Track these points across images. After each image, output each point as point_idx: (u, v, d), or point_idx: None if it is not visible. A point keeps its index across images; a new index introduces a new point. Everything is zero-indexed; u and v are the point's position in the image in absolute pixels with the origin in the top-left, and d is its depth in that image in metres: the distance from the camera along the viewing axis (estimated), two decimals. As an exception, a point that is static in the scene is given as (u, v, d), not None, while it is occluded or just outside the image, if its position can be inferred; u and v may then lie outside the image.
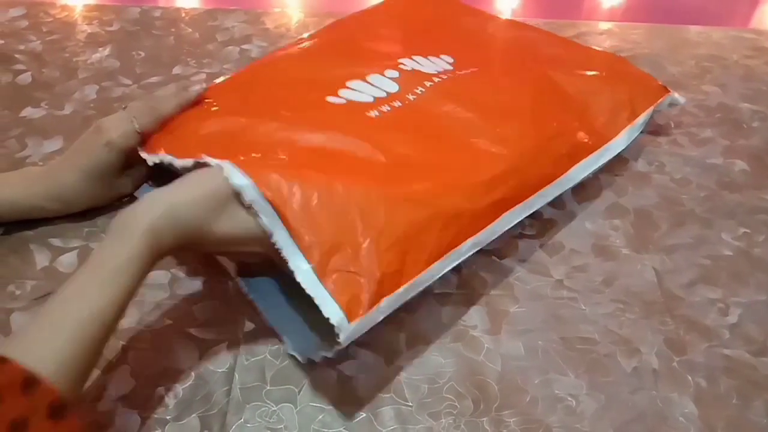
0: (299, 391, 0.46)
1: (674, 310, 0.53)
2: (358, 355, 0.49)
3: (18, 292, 0.52)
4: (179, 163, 0.50)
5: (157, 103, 0.58)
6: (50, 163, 0.58)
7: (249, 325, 0.50)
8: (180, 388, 0.46)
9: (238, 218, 0.44)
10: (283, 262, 0.44)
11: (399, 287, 0.45)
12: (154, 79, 0.76)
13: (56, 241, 0.56)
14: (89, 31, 0.85)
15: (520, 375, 0.48)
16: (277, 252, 0.43)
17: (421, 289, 0.46)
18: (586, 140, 0.60)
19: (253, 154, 0.50)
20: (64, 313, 0.38)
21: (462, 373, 0.48)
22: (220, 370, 0.47)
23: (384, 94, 0.59)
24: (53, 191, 0.55)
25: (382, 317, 0.44)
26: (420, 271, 0.46)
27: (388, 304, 0.44)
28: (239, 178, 0.44)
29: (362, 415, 0.45)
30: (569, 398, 0.47)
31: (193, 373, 0.47)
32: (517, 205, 0.53)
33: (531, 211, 0.55)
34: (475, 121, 0.57)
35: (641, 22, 0.89)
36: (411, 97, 0.59)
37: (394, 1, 0.79)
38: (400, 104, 0.59)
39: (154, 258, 0.42)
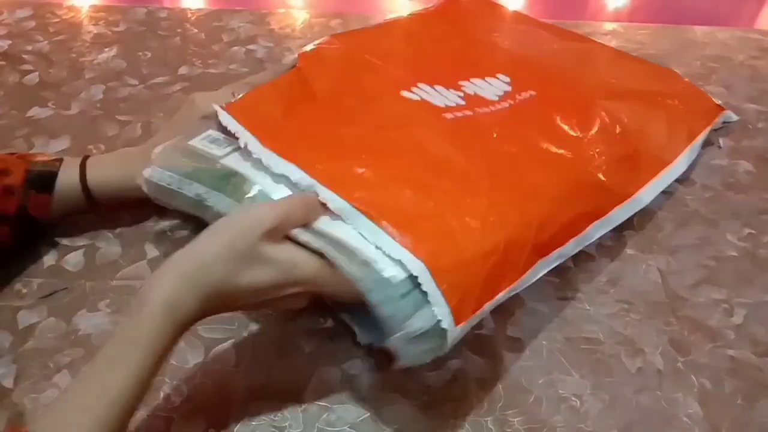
0: (304, 390, 0.47)
1: (679, 310, 0.53)
2: (363, 355, 0.49)
3: (25, 290, 0.53)
4: (264, 154, 0.49)
5: (254, 80, 0.60)
6: (148, 143, 0.57)
7: (253, 325, 0.51)
8: (185, 386, 0.47)
9: (281, 256, 0.40)
10: (345, 288, 0.41)
11: (499, 293, 0.44)
12: (160, 80, 0.76)
13: (63, 240, 0.57)
14: (96, 31, 0.85)
15: (524, 375, 0.48)
16: (339, 282, 0.41)
17: (514, 293, 0.47)
18: (644, 168, 0.59)
19: (335, 162, 0.49)
20: (86, 394, 0.36)
21: (466, 373, 0.48)
22: (225, 369, 0.48)
23: (452, 104, 0.58)
24: None
25: (479, 320, 0.44)
26: (517, 277, 0.46)
27: (487, 309, 0.44)
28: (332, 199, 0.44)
29: (366, 414, 0.45)
30: (573, 398, 0.47)
31: (198, 372, 0.47)
32: (597, 220, 0.53)
33: (603, 232, 0.55)
34: (542, 145, 0.56)
35: (647, 23, 0.89)
36: (480, 110, 0.58)
37: (446, 6, 0.78)
38: (470, 113, 0.58)
39: (177, 330, 0.38)
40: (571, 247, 0.51)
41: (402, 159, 0.50)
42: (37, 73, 0.77)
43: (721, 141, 0.69)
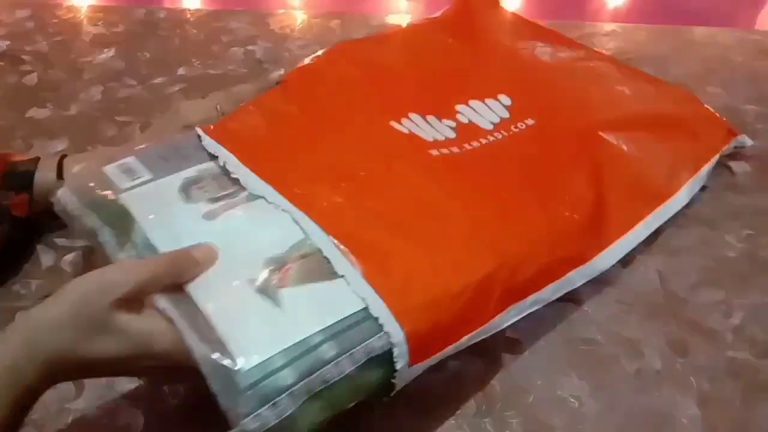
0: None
1: (678, 311, 0.53)
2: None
3: (23, 292, 0.53)
4: (247, 179, 0.48)
5: (239, 91, 0.60)
6: (126, 144, 0.57)
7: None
8: (182, 387, 0.46)
9: (133, 327, 0.36)
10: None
11: (463, 336, 0.43)
12: (159, 80, 0.76)
13: (62, 241, 0.57)
14: (95, 32, 0.85)
15: (523, 376, 0.48)
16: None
17: (481, 338, 0.45)
18: (640, 204, 0.57)
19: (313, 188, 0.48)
20: None
21: (465, 374, 0.48)
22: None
23: (442, 138, 0.58)
24: None
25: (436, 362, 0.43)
26: (486, 321, 0.45)
27: (449, 352, 0.43)
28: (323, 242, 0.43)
29: (365, 416, 0.45)
30: (572, 399, 0.47)
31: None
32: (586, 263, 0.51)
33: (587, 279, 0.52)
34: (527, 185, 0.55)
35: (646, 23, 0.89)
36: (468, 146, 0.58)
37: (454, 13, 0.77)
38: (457, 151, 0.57)
39: (20, 395, 0.34)
40: (549, 292, 0.49)
41: (381, 193, 0.50)
42: (36, 73, 0.77)
43: (733, 166, 0.66)
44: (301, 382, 0.36)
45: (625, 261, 0.56)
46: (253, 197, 0.47)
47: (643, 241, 0.58)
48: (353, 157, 0.53)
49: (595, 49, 0.75)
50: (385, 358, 0.39)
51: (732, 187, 0.64)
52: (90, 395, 0.46)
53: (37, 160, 0.55)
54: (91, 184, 0.47)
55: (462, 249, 0.47)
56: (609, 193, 0.56)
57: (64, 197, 0.47)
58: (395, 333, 0.39)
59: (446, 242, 0.47)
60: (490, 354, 0.49)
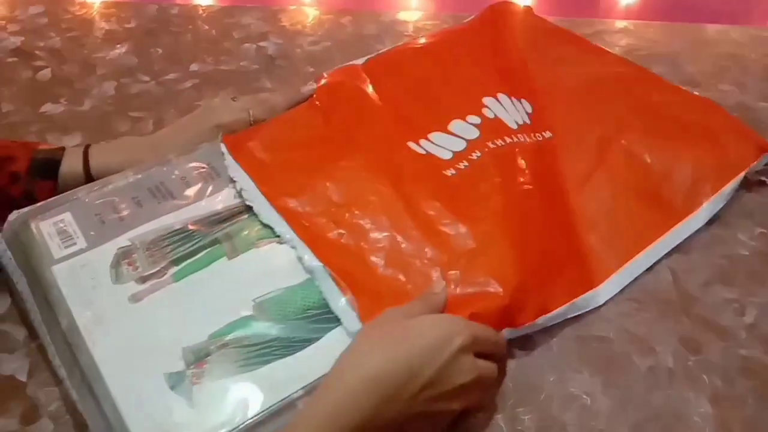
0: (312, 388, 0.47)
1: (690, 309, 0.53)
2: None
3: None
4: (260, 209, 0.53)
5: (270, 98, 0.61)
6: (155, 135, 0.60)
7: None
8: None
9: None
10: None
11: None
12: (171, 76, 0.77)
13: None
14: (107, 28, 0.85)
15: (535, 373, 0.48)
16: None
17: None
18: (661, 217, 0.56)
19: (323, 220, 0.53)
20: None
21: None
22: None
23: (463, 146, 0.59)
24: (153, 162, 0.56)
25: None
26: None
27: None
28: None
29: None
30: (584, 396, 0.47)
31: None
32: (589, 291, 0.51)
33: (604, 299, 0.52)
34: (535, 197, 0.56)
35: (658, 21, 0.88)
36: (491, 145, 0.59)
37: (486, 18, 0.78)
38: (478, 155, 0.58)
39: None
40: (557, 315, 0.50)
41: (389, 218, 0.52)
42: (49, 69, 0.77)
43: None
44: None
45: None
46: (180, 276, 0.48)
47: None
48: (367, 180, 0.55)
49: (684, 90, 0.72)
50: None
51: (744, 185, 0.64)
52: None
53: (62, 149, 0.56)
54: (27, 242, 0.49)
55: (462, 275, 0.48)
56: (625, 207, 0.56)
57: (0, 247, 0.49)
58: None
59: (446, 270, 0.49)
60: (502, 350, 0.49)
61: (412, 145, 0.59)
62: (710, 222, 0.60)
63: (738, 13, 0.98)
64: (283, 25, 0.87)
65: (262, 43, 0.83)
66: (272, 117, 0.61)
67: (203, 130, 0.57)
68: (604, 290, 0.52)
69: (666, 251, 0.56)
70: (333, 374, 0.38)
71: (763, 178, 0.63)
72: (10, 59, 0.79)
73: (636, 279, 0.54)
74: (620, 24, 0.87)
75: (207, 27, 0.86)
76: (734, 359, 0.49)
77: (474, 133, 0.60)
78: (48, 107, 0.72)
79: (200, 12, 0.89)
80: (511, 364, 0.48)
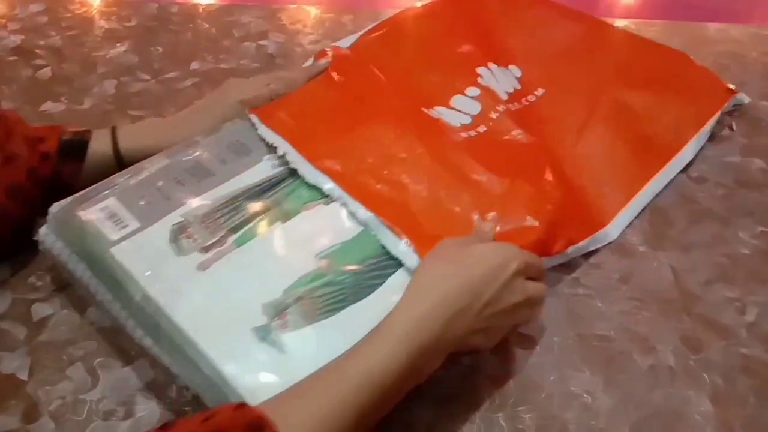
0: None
1: (691, 308, 0.53)
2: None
3: (39, 283, 0.53)
4: (299, 163, 0.54)
5: (287, 74, 0.63)
6: (179, 116, 0.60)
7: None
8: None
9: None
10: None
11: None
12: (172, 74, 0.76)
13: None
14: (107, 26, 0.85)
15: (535, 371, 0.48)
16: None
17: None
18: (653, 157, 0.63)
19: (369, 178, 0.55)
20: (325, 392, 0.38)
21: (478, 369, 0.48)
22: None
23: (469, 120, 0.63)
24: (177, 142, 0.56)
25: None
26: None
27: None
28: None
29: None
30: (585, 395, 0.47)
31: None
32: (602, 228, 0.57)
33: (616, 234, 0.58)
34: (542, 148, 0.61)
35: (659, 19, 0.88)
36: (493, 115, 0.64)
37: None
38: (485, 129, 0.62)
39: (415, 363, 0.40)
40: (571, 252, 0.55)
41: (424, 172, 0.55)
42: (49, 67, 0.77)
43: (746, 161, 0.67)
44: None
45: (638, 257, 0.57)
46: (241, 242, 0.49)
47: (657, 237, 0.58)
48: (394, 141, 0.58)
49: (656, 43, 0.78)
50: None
51: (746, 184, 0.64)
52: (105, 386, 0.46)
53: (89, 131, 0.56)
54: (78, 232, 0.49)
55: (500, 214, 0.53)
56: (621, 151, 0.62)
57: (49, 242, 0.49)
58: None
59: (483, 211, 0.53)
60: (503, 349, 0.49)
61: (425, 110, 0.63)
62: (711, 220, 0.60)
63: (738, 11, 0.98)
64: (283, 23, 0.87)
65: (262, 42, 0.83)
66: (292, 91, 0.62)
67: (227, 106, 0.58)
68: (616, 225, 0.58)
69: (663, 185, 0.62)
70: (406, 298, 0.43)
71: (732, 125, 0.70)
72: (10, 58, 0.79)
73: (636, 277, 0.54)
74: (621, 23, 0.87)
75: (207, 25, 0.86)
76: (735, 358, 0.49)
77: (476, 108, 0.64)
78: (48, 106, 0.72)
79: (200, 10, 0.89)
80: (512, 363, 0.48)
